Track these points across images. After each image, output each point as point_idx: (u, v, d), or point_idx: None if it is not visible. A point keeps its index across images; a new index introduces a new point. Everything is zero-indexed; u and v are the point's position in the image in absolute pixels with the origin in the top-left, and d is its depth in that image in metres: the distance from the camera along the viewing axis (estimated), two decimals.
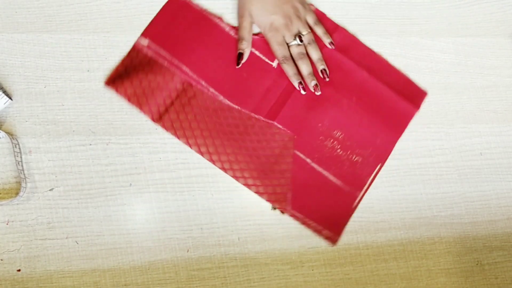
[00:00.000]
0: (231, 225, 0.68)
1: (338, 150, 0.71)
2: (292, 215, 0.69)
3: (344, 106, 0.72)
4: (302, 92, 0.70)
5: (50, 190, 0.64)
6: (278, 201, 0.69)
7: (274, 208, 0.69)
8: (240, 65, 0.70)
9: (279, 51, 0.70)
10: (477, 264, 0.74)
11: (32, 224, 0.63)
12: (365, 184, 0.72)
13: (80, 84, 0.67)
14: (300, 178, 0.70)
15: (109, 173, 0.66)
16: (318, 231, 0.69)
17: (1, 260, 0.62)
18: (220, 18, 0.71)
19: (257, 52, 0.71)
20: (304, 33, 0.71)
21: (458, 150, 0.76)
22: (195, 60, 0.69)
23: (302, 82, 0.71)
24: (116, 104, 0.67)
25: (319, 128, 0.71)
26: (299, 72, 0.71)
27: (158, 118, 0.67)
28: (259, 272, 0.67)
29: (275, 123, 0.70)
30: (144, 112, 0.67)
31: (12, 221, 0.63)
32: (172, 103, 0.68)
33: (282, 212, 0.69)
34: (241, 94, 0.70)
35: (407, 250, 0.72)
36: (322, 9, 0.76)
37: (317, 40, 0.73)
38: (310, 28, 0.73)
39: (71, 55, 0.67)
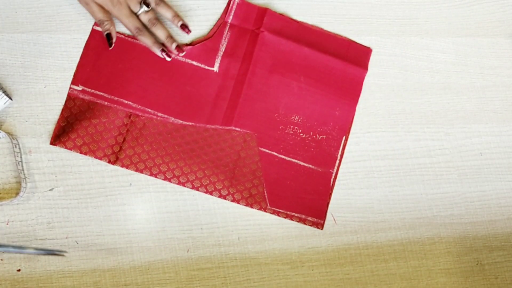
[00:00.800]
0: (231, 225, 0.68)
1: (301, 134, 0.71)
2: (273, 213, 0.69)
3: (294, 89, 0.71)
4: (167, 58, 0.68)
5: (50, 190, 0.64)
6: (256, 202, 0.69)
7: None
8: (113, 46, 0.67)
9: (130, 23, 0.67)
10: (477, 264, 0.74)
11: (32, 224, 0.63)
12: (336, 160, 0.72)
13: None
14: (272, 174, 0.70)
15: (109, 173, 0.66)
16: (302, 221, 0.70)
17: (1, 260, 0.62)
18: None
19: (194, 62, 0.69)
20: None
21: (458, 150, 0.76)
22: (134, 90, 0.67)
23: (164, 48, 0.68)
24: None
25: (276, 118, 0.71)
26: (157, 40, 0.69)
27: (115, 159, 0.66)
28: (259, 272, 0.67)
29: (233, 127, 0.69)
30: (99, 157, 0.65)
31: (12, 221, 0.63)
32: (124, 140, 0.66)
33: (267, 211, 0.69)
34: (190, 109, 0.68)
35: (407, 250, 0.72)
36: (322, 9, 0.76)
37: None
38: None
39: (71, 55, 0.67)
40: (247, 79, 0.70)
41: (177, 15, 0.69)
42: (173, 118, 0.68)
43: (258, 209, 0.69)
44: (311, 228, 0.70)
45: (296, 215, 0.69)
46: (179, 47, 0.69)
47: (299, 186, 0.70)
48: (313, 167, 0.71)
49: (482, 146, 0.77)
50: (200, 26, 0.71)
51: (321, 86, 0.72)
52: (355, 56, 0.74)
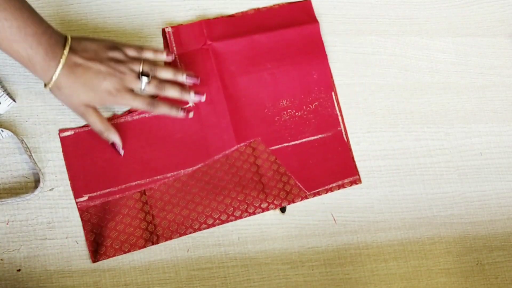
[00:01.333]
0: (231, 225, 0.68)
1: (296, 113, 0.71)
2: (314, 195, 0.69)
3: (267, 78, 0.71)
4: (190, 115, 0.65)
5: (50, 190, 0.64)
6: (296, 196, 0.69)
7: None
8: (123, 152, 0.65)
9: (140, 104, 0.62)
10: (477, 264, 0.74)
11: (32, 224, 0.63)
12: (337, 117, 0.72)
13: None
14: (293, 163, 0.70)
15: None
16: (342, 186, 0.71)
17: (1, 260, 0.62)
18: (114, 116, 0.66)
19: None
20: (140, 68, 0.62)
21: (458, 150, 0.76)
22: (133, 168, 0.65)
23: (181, 107, 0.65)
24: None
25: (267, 113, 0.71)
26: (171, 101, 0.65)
27: (157, 238, 0.65)
28: (259, 272, 0.67)
29: (237, 146, 0.68)
30: (143, 246, 0.64)
31: (12, 221, 0.63)
32: (153, 217, 0.65)
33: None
34: (192, 153, 0.67)
35: (407, 250, 0.72)
36: (322, 9, 0.76)
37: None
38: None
39: None
40: (223, 95, 0.69)
41: (177, 70, 0.65)
42: (182, 171, 0.67)
43: (301, 200, 0.69)
44: (311, 228, 0.70)
45: (334, 185, 0.70)
46: (198, 92, 0.66)
47: (321, 159, 0.71)
48: (322, 135, 0.71)
49: (482, 146, 0.77)
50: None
51: (288, 61, 0.72)
52: (300, 16, 0.74)
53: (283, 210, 0.69)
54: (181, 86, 0.66)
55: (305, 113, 0.72)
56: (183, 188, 0.67)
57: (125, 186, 0.65)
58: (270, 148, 0.70)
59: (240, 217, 0.67)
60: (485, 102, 0.79)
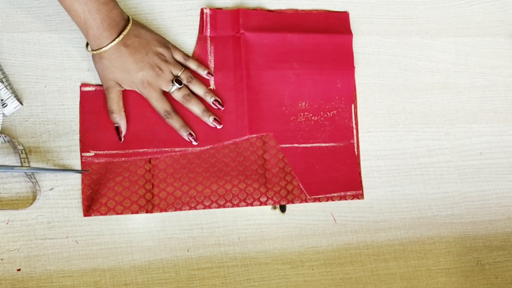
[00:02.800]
0: (231, 225, 0.68)
1: (313, 118, 0.72)
2: (314, 201, 0.69)
3: (291, 77, 0.71)
4: (194, 142, 0.67)
5: (50, 189, 0.64)
6: (296, 197, 0.69)
7: (275, 208, 0.69)
8: (122, 139, 0.66)
9: (159, 106, 0.65)
10: (477, 263, 0.74)
11: (32, 224, 0.63)
12: (352, 129, 0.73)
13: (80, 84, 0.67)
14: (300, 164, 0.70)
15: None
16: (343, 198, 0.71)
17: (1, 259, 0.62)
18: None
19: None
20: (179, 73, 0.66)
21: (458, 150, 0.76)
22: (144, 136, 0.66)
23: (192, 132, 0.67)
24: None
25: (284, 111, 0.71)
26: (191, 115, 0.68)
27: (152, 207, 0.65)
28: (259, 272, 0.67)
29: (249, 136, 0.69)
30: (136, 211, 0.65)
31: (12, 221, 0.63)
32: (152, 185, 0.66)
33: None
34: (203, 133, 0.68)
35: (407, 250, 0.72)
36: (322, 9, 0.76)
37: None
38: (184, 65, 0.69)
39: (71, 55, 0.67)
40: (245, 85, 0.70)
41: (209, 91, 0.68)
42: (190, 148, 0.67)
43: (300, 203, 0.69)
44: (311, 228, 0.70)
45: (336, 195, 0.70)
46: (216, 120, 0.68)
47: (329, 167, 0.71)
48: (334, 144, 0.72)
49: (482, 146, 0.77)
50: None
51: (315, 65, 0.72)
52: (336, 25, 0.74)
53: (283, 210, 0.69)
54: (205, 105, 0.68)
55: (322, 119, 0.72)
56: (187, 165, 0.67)
57: (132, 151, 0.66)
58: (280, 146, 0.70)
59: (237, 205, 0.68)
60: (485, 102, 0.79)
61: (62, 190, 0.64)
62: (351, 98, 0.73)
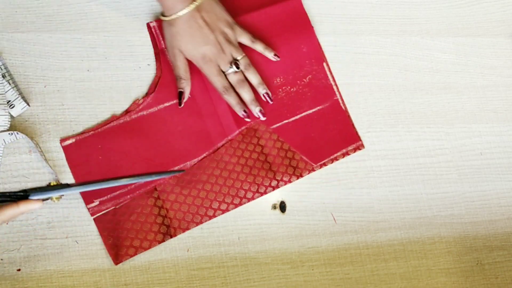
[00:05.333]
0: (231, 225, 0.68)
1: (292, 89, 0.71)
2: (321, 167, 0.70)
3: (258, 58, 0.70)
4: (247, 120, 0.68)
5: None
6: (303, 170, 0.70)
7: (274, 208, 0.69)
8: (182, 104, 0.67)
9: (218, 82, 0.67)
10: (477, 263, 0.74)
11: (32, 224, 0.63)
12: (331, 87, 0.73)
13: (80, 84, 0.67)
14: (295, 138, 0.70)
15: None
16: (346, 154, 0.71)
17: (1, 260, 0.62)
18: (112, 117, 0.66)
19: (166, 104, 0.67)
20: (239, 58, 0.68)
21: (458, 150, 0.76)
22: (141, 166, 0.65)
23: (246, 109, 0.68)
24: (116, 104, 0.67)
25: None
26: (241, 100, 0.68)
27: (174, 231, 0.65)
28: (259, 272, 0.67)
29: (237, 131, 0.69)
30: (161, 241, 0.64)
31: (12, 221, 0.63)
32: (167, 210, 0.65)
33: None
34: (196, 143, 0.67)
35: (407, 250, 0.72)
36: (322, 9, 0.76)
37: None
38: (245, 50, 0.69)
39: (71, 55, 0.67)
40: None
41: (262, 83, 0.69)
42: (188, 163, 0.67)
43: (308, 173, 0.70)
44: (311, 228, 0.70)
45: (339, 153, 0.71)
46: (262, 112, 0.69)
47: (322, 130, 0.71)
48: (320, 107, 0.72)
49: (482, 146, 0.77)
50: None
51: (276, 38, 0.72)
52: None
53: (283, 210, 0.69)
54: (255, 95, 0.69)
55: (300, 87, 0.72)
56: (192, 179, 0.67)
57: (134, 185, 0.65)
58: (271, 127, 0.70)
59: (253, 198, 0.68)
60: (485, 102, 0.79)
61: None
62: (320, 57, 0.73)
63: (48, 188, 0.61)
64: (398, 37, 0.78)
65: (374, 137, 0.74)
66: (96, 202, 0.64)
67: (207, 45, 0.66)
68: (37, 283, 0.62)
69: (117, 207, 0.64)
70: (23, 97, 0.64)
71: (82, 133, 0.65)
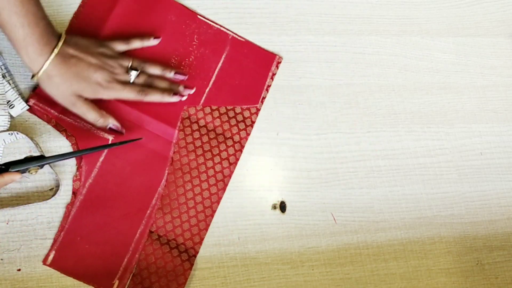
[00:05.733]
0: (231, 225, 0.68)
1: (191, 58, 0.70)
2: (262, 102, 0.71)
3: (143, 53, 0.68)
4: (183, 98, 0.68)
5: (50, 189, 0.64)
6: (252, 115, 0.70)
7: (274, 208, 0.69)
8: (124, 132, 0.65)
9: (130, 92, 0.64)
10: (477, 263, 0.74)
11: (32, 224, 0.63)
12: (219, 29, 0.72)
13: None
14: (225, 96, 0.70)
15: None
16: (274, 75, 0.72)
17: (1, 259, 0.62)
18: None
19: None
20: (129, 64, 0.65)
21: (458, 150, 0.76)
22: (124, 230, 0.64)
23: (173, 91, 0.67)
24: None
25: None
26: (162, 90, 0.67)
27: (194, 252, 0.65)
28: (259, 272, 0.67)
29: (176, 130, 0.68)
30: (190, 268, 0.65)
31: (12, 221, 0.63)
32: (174, 239, 0.65)
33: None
34: (153, 169, 0.66)
35: (407, 250, 0.72)
36: (322, 9, 0.76)
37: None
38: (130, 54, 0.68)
39: None
40: (125, 103, 0.67)
41: (165, 67, 0.68)
42: (159, 188, 0.66)
43: (257, 116, 0.71)
44: (311, 228, 0.70)
45: (268, 79, 0.72)
46: (187, 87, 0.68)
47: (241, 71, 0.71)
48: (225, 54, 0.71)
49: (482, 146, 0.77)
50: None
51: (142, 25, 0.70)
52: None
53: (283, 210, 0.69)
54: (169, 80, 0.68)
55: (195, 52, 0.71)
56: (171, 199, 0.66)
57: (134, 244, 0.64)
58: (200, 104, 0.69)
59: (232, 171, 0.68)
60: (485, 102, 0.79)
61: (62, 190, 0.64)
62: (190, 13, 0.71)
63: (26, 160, 0.59)
64: (398, 37, 0.78)
65: (374, 137, 0.74)
66: (116, 282, 0.63)
67: (96, 72, 0.62)
68: (37, 283, 0.62)
69: (134, 270, 0.64)
70: (23, 97, 0.64)
71: (55, 241, 0.62)
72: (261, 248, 0.68)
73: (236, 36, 0.72)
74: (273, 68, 0.73)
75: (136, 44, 0.68)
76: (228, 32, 0.72)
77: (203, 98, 0.70)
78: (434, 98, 0.77)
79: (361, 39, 0.76)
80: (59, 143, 0.65)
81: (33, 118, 0.65)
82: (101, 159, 0.65)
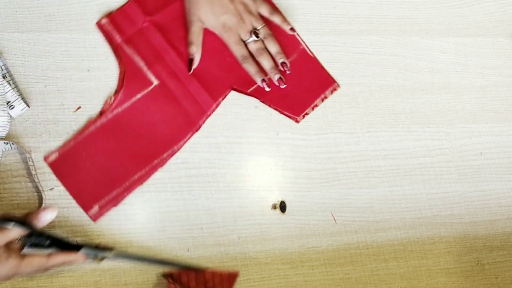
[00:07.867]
0: (231, 225, 0.68)
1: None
2: (303, 117, 0.72)
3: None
4: (267, 88, 0.70)
5: (50, 189, 0.64)
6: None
7: (274, 208, 0.70)
8: (192, 71, 0.68)
9: (238, 50, 0.69)
10: (477, 263, 0.74)
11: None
12: (295, 37, 0.73)
13: (80, 84, 0.67)
14: (273, 96, 0.71)
15: None
16: (324, 98, 0.73)
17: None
18: (89, 122, 0.66)
19: (138, 96, 0.67)
20: (258, 27, 0.69)
21: (458, 150, 0.76)
22: (130, 163, 0.66)
23: (265, 78, 0.70)
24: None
25: (230, 61, 0.70)
26: (261, 69, 0.70)
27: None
28: (259, 272, 0.67)
29: (215, 104, 0.69)
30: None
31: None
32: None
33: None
34: (179, 127, 0.68)
35: (407, 250, 0.72)
36: (322, 8, 0.76)
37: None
38: (266, 20, 0.71)
39: (71, 55, 0.67)
40: (182, 62, 0.69)
41: (281, 52, 0.70)
42: (175, 147, 0.67)
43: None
44: (311, 228, 0.70)
45: (318, 100, 0.73)
46: (281, 79, 0.70)
47: (297, 82, 0.72)
48: (289, 59, 0.72)
49: (482, 146, 0.77)
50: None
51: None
52: None
53: (283, 210, 0.69)
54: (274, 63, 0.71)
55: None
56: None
57: (128, 182, 0.65)
58: (248, 91, 0.70)
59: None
60: (485, 102, 0.79)
61: (62, 190, 0.64)
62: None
63: (97, 247, 0.60)
64: (398, 37, 0.78)
65: (374, 137, 0.74)
66: (96, 207, 0.64)
67: (226, 14, 0.67)
68: (37, 283, 0.62)
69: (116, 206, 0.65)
70: (23, 98, 0.64)
71: (64, 145, 0.65)
72: (261, 248, 0.68)
73: (307, 49, 0.73)
74: (327, 92, 0.73)
75: (277, 19, 0.71)
76: (301, 42, 0.73)
77: (252, 88, 0.71)
78: (434, 98, 0.77)
79: (361, 39, 0.76)
80: (58, 143, 0.65)
81: (33, 118, 0.65)
82: (139, 96, 0.67)
